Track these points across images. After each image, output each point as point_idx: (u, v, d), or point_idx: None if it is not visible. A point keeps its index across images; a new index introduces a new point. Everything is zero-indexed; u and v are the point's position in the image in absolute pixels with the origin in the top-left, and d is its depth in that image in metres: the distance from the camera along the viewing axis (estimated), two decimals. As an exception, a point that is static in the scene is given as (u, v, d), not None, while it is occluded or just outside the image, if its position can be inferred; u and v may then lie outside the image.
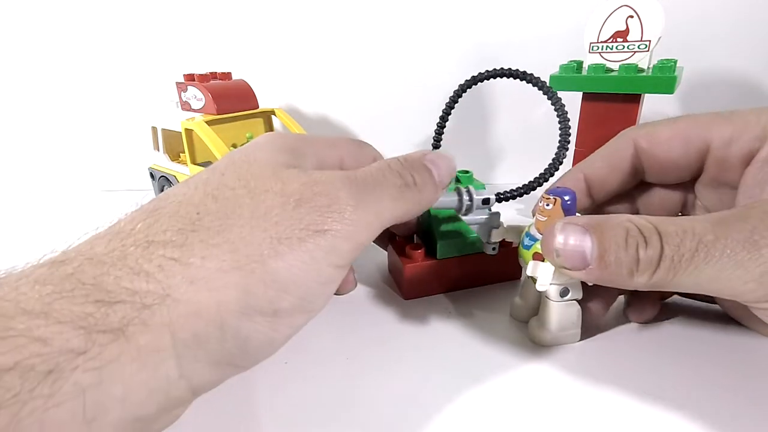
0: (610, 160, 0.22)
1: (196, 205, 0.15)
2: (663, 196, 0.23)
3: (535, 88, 0.24)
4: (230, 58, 0.44)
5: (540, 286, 0.19)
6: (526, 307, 0.23)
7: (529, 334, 0.22)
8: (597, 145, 0.26)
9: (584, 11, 0.29)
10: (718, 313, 0.23)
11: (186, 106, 0.38)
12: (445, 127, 0.26)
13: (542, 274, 0.19)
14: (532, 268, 0.20)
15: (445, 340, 0.22)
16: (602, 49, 0.29)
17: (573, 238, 0.17)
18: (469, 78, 0.24)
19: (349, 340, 0.22)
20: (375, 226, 0.16)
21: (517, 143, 0.47)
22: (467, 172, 0.27)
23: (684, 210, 0.23)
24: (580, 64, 0.30)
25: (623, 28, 0.28)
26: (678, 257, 0.15)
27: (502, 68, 0.23)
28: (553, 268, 0.19)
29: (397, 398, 0.19)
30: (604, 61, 0.29)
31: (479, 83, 0.24)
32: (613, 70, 0.29)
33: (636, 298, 0.23)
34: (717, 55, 0.40)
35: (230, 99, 0.37)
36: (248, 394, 0.19)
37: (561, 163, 0.24)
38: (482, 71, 0.24)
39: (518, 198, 0.25)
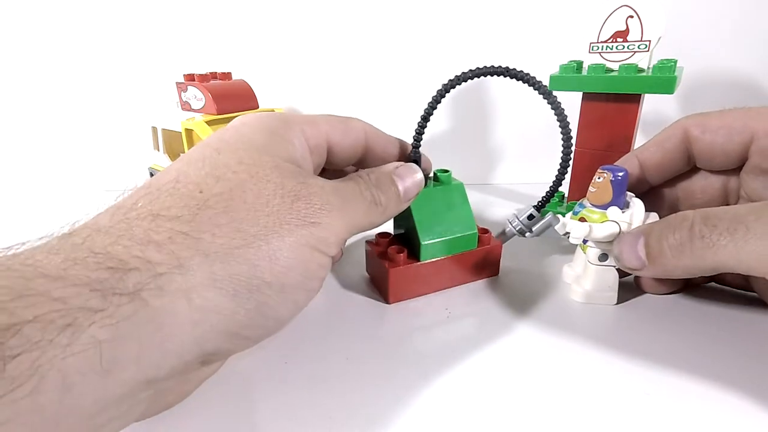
0: (663, 145, 0.24)
1: (197, 183, 0.16)
2: (705, 183, 0.25)
3: (526, 84, 0.23)
4: (230, 58, 0.44)
5: (573, 239, 0.22)
6: (574, 274, 0.26)
7: (569, 291, 0.25)
8: (597, 145, 0.26)
9: (584, 11, 0.29)
10: (755, 298, 0.24)
11: (186, 106, 0.38)
12: (426, 126, 0.24)
13: (576, 230, 0.22)
14: (566, 223, 0.22)
15: (445, 339, 0.22)
16: (602, 49, 0.29)
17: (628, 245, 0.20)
18: (452, 77, 0.23)
19: (348, 341, 0.22)
20: (351, 227, 0.19)
21: (516, 143, 0.47)
22: (446, 171, 0.26)
23: (727, 199, 0.25)
24: (580, 64, 0.30)
25: (623, 28, 0.28)
26: (716, 236, 0.17)
27: (485, 66, 0.22)
28: (586, 228, 0.21)
29: (397, 397, 0.19)
30: (604, 61, 0.29)
31: (465, 82, 0.23)
32: (613, 70, 0.29)
33: None
34: (717, 55, 0.40)
35: (230, 99, 0.37)
36: (248, 394, 0.19)
37: (568, 164, 0.24)
38: (466, 70, 0.22)
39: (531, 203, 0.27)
